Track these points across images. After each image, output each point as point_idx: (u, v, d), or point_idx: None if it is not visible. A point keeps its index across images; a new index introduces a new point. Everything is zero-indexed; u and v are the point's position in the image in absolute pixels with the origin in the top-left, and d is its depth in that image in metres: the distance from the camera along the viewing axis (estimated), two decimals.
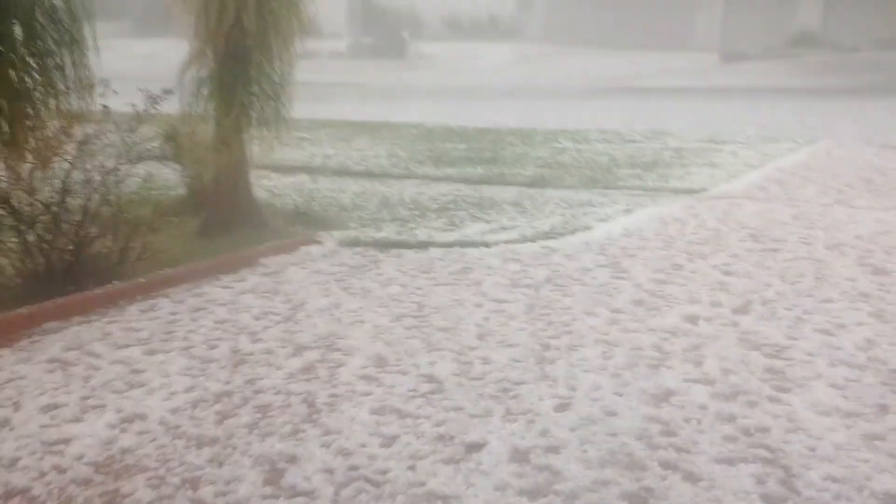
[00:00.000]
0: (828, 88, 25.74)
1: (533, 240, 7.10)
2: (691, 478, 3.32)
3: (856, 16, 40.87)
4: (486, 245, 6.94)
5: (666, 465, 3.43)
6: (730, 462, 3.45)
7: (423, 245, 6.94)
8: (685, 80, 30.09)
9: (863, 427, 3.74)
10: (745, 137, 13.65)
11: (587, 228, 7.50)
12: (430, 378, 4.29)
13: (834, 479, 3.30)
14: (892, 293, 5.66)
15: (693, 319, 5.18)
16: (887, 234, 7.22)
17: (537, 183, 9.80)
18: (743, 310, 5.36)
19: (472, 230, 7.43)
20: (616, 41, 43.04)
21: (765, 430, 3.72)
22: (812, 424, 3.77)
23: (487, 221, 7.75)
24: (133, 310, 5.33)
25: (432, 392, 4.13)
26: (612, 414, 3.89)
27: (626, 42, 43.11)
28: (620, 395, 4.08)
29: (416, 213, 8.13)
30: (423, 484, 3.29)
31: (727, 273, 6.17)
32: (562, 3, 47.76)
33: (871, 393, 4.09)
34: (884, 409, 3.92)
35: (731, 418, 3.84)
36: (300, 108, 6.94)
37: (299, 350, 4.67)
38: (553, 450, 3.56)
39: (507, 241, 7.04)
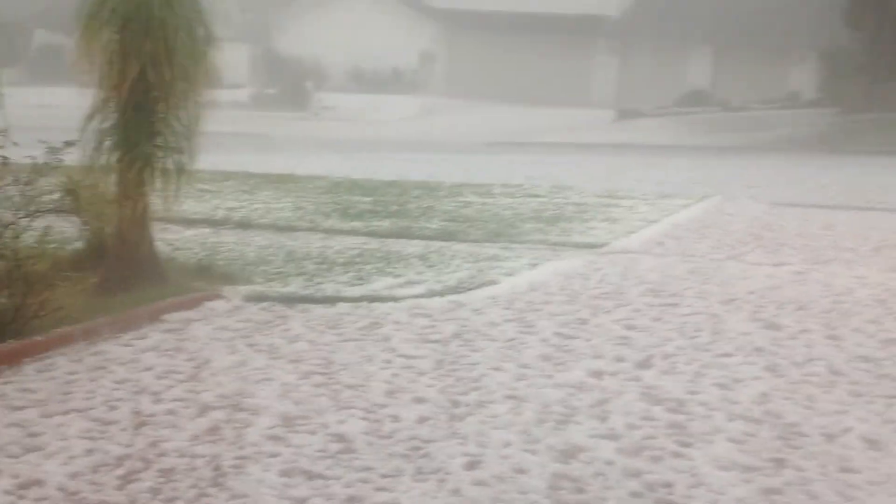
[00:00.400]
0: (718, 145, 26.77)
1: (441, 294, 7.15)
2: None
3: (742, 76, 42.74)
4: (395, 300, 6.95)
5: None
6: None
7: (331, 300, 6.91)
8: (584, 135, 30.90)
9: (761, 482, 3.87)
10: (642, 193, 14.08)
11: (494, 283, 7.60)
12: (339, 437, 4.26)
13: None
14: (785, 347, 5.89)
15: (598, 374, 5.29)
16: (778, 289, 7.52)
17: (444, 236, 9.89)
18: (645, 364, 5.50)
19: (380, 284, 7.44)
20: (516, 97, 43.94)
21: (669, 485, 3.82)
22: (713, 479, 3.87)
23: (395, 275, 7.77)
24: (29, 369, 5.14)
25: (342, 452, 4.10)
26: (521, 472, 3.92)
27: (527, 98, 44.05)
28: (530, 453, 4.12)
29: (323, 266, 8.10)
30: None
31: (629, 328, 6.32)
32: (464, 58, 48.62)
33: (767, 447, 4.24)
34: (780, 462, 4.06)
35: (637, 474, 3.92)
36: (203, 159, 6.86)
37: (204, 410, 4.58)
38: None
39: (415, 296, 7.07)
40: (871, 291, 7.46)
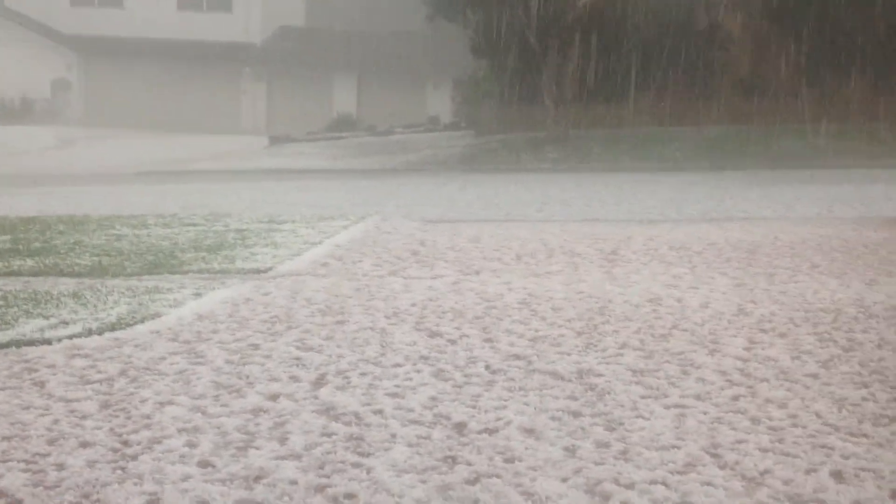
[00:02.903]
0: (369, 168, 27.77)
1: (99, 332, 6.75)
2: None
3: (385, 102, 44.82)
4: (48, 342, 6.46)
5: None
6: None
7: None
8: (237, 163, 30.62)
9: (436, 479, 4.09)
10: (301, 217, 14.25)
11: (157, 315, 7.31)
12: (1, 493, 3.89)
13: None
14: (447, 353, 6.26)
15: (274, 397, 5.29)
16: (437, 300, 7.97)
17: (97, 272, 9.34)
18: (320, 382, 5.59)
19: (29, 327, 6.87)
20: (163, 125, 42.63)
21: (352, 495, 3.91)
22: (393, 484, 4.03)
23: (46, 317, 7.22)
24: None
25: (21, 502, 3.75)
26: (204, 503, 3.83)
27: (174, 126, 42.91)
28: (211, 483, 4.03)
29: None
30: None
31: (301, 348, 6.39)
32: (103, 86, 46.33)
33: (439, 447, 4.49)
34: (452, 460, 4.32)
35: (321, 489, 3.98)
36: None
37: None
38: None
39: (70, 336, 6.61)
40: (517, 296, 8.14)
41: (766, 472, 4.10)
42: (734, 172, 22.10)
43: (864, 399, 5.12)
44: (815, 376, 5.59)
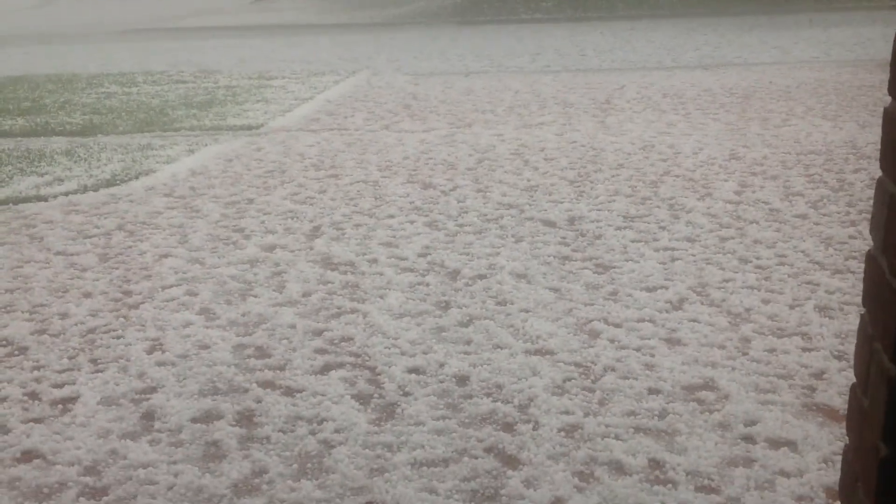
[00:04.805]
0: (358, 23, 27.13)
1: (94, 189, 6.78)
2: (290, 391, 3.52)
3: None
4: (43, 199, 6.49)
5: (265, 384, 3.59)
6: (322, 372, 3.70)
7: None
8: (225, 18, 29.89)
9: (430, 322, 4.20)
10: (291, 72, 14.03)
11: (151, 172, 7.33)
12: (4, 341, 4.01)
13: (412, 370, 3.70)
14: (439, 203, 6.30)
15: (270, 248, 5.37)
16: (429, 153, 7.96)
17: (88, 131, 9.28)
18: (315, 234, 5.66)
19: (24, 185, 6.89)
20: None
21: (349, 338, 4.04)
22: (389, 327, 4.15)
23: (40, 174, 7.23)
24: None
25: (9, 355, 3.87)
26: (205, 347, 3.95)
27: None
28: (212, 329, 4.15)
29: None
30: (16, 445, 3.13)
31: (296, 202, 6.43)
32: None
33: (433, 292, 4.59)
34: (446, 304, 4.43)
35: (319, 333, 4.10)
36: None
37: None
38: (150, 390, 3.55)
39: (65, 193, 6.65)
40: (508, 146, 8.12)
41: (751, 308, 4.22)
42: (732, 18, 21.60)
43: (851, 237, 5.20)
44: (804, 217, 5.66)
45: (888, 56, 12.10)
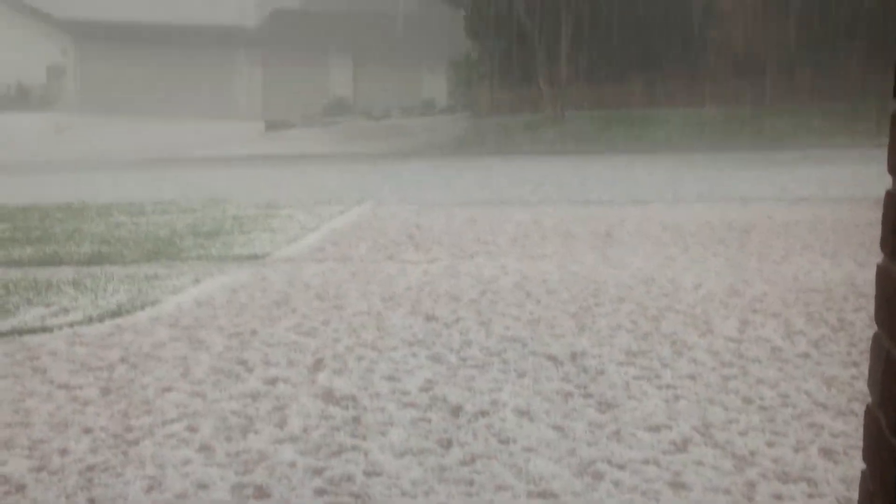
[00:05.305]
0: (365, 153, 27.78)
1: (99, 320, 6.83)
2: None
3: (380, 85, 44.71)
4: (49, 330, 6.53)
5: None
6: None
7: None
8: (235, 148, 30.63)
9: (432, 461, 4.17)
10: (298, 202, 14.30)
11: (156, 302, 7.39)
12: (3, 479, 3.97)
13: None
14: (442, 336, 6.33)
15: (272, 381, 5.37)
16: (432, 284, 8.05)
17: (96, 260, 9.41)
18: (318, 367, 5.67)
19: (30, 315, 6.95)
20: (160, 111, 42.57)
21: (350, 478, 4.00)
22: (390, 466, 4.11)
23: (46, 305, 7.29)
24: None
25: (8, 494, 3.83)
26: (204, 486, 3.91)
27: (170, 112, 42.85)
28: (210, 467, 4.11)
29: None
30: None
31: (299, 333, 6.46)
32: (96, 71, 46.15)
33: (436, 429, 4.57)
34: (448, 442, 4.40)
35: (319, 472, 4.06)
36: None
37: None
38: None
39: (70, 324, 6.69)
40: (511, 278, 8.21)
41: (755, 451, 4.19)
42: (728, 153, 22.13)
43: (853, 378, 5.20)
44: (806, 356, 5.67)
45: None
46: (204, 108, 43.27)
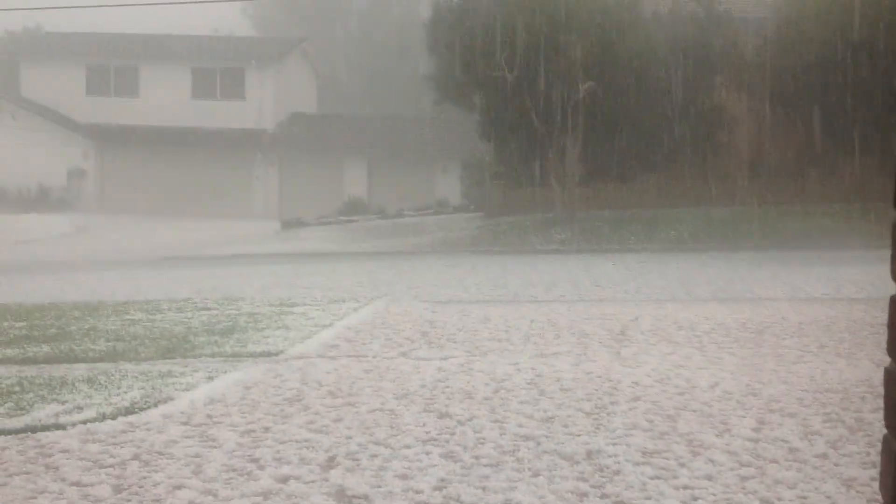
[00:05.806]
0: (379, 251, 27.97)
1: (113, 417, 6.83)
2: None
3: (395, 185, 45.34)
4: (62, 427, 6.53)
5: None
6: None
7: None
8: (251, 247, 30.93)
9: None
10: (312, 299, 14.37)
11: (170, 399, 7.39)
12: None
13: None
14: (456, 434, 6.30)
15: (284, 480, 5.34)
16: (446, 381, 8.03)
17: (111, 357, 9.45)
18: (330, 464, 5.64)
19: (44, 413, 6.95)
20: (178, 211, 43.20)
21: None
22: None
23: (61, 402, 7.30)
24: None
25: None
26: None
27: (188, 211, 43.47)
28: None
29: None
30: None
31: (312, 430, 6.44)
32: (116, 174, 47.08)
33: None
34: None
35: None
36: None
37: None
38: None
39: (84, 421, 6.69)
40: (525, 376, 8.19)
41: None
42: (741, 253, 22.19)
43: (872, 479, 5.13)
44: (824, 456, 5.61)
45: None
46: (221, 208, 43.90)
